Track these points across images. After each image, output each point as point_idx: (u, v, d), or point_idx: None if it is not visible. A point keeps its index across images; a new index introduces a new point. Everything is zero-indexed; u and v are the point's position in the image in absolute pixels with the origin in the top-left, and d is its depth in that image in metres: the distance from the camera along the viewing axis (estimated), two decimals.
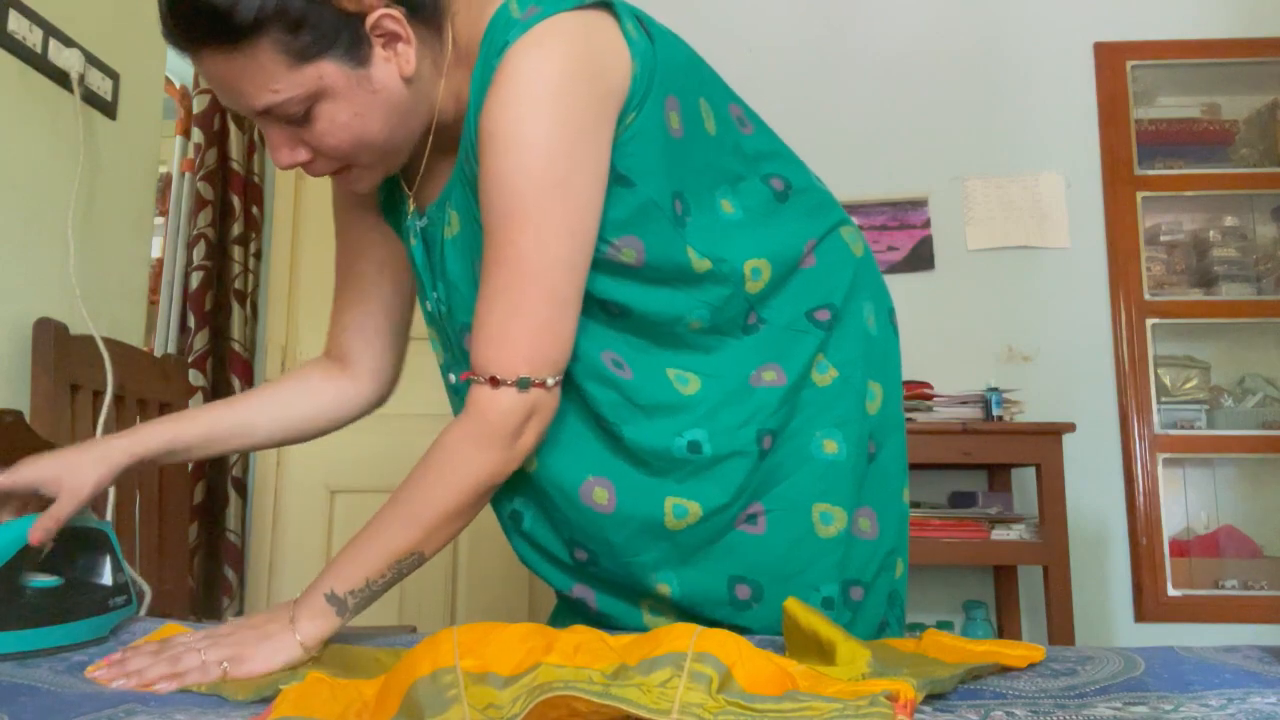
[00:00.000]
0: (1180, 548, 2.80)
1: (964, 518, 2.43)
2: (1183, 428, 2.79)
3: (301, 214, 3.07)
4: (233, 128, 3.00)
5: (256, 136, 3.07)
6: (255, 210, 3.03)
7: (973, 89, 2.95)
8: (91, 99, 1.75)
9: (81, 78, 1.68)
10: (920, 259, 2.89)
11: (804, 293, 1.02)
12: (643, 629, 0.99)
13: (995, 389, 2.52)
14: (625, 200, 0.89)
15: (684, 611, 1.00)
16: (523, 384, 0.85)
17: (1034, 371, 2.79)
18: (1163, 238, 2.95)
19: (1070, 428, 2.45)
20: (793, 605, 0.81)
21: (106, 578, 0.92)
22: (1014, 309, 2.85)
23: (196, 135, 2.96)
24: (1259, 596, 2.68)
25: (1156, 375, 2.81)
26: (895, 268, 2.89)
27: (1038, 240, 2.87)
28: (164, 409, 1.84)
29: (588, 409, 0.95)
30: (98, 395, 1.66)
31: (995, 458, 2.51)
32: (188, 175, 3.00)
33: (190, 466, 2.22)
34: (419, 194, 0.99)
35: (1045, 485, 2.41)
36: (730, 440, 0.95)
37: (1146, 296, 2.82)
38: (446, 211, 0.95)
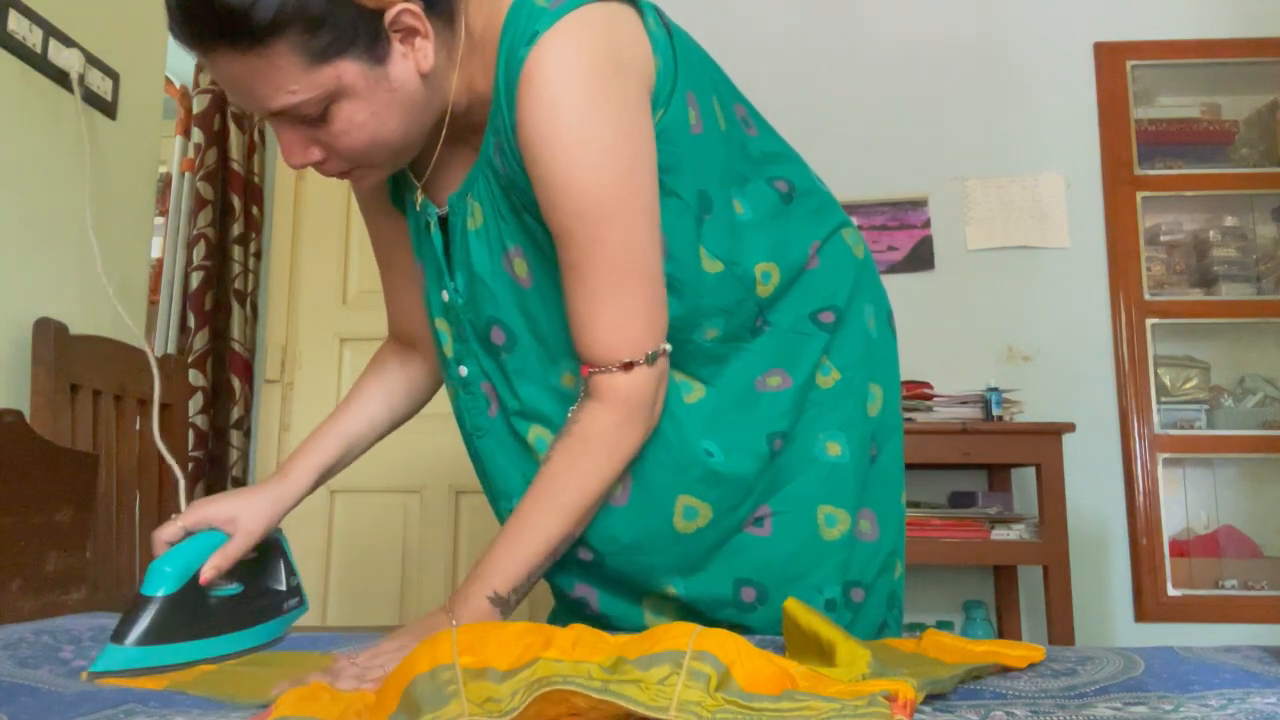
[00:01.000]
0: (1180, 548, 2.80)
1: (964, 518, 2.44)
2: (1183, 428, 2.79)
3: (301, 214, 3.07)
4: (233, 128, 3.00)
5: (256, 136, 3.07)
6: (255, 210, 3.03)
7: (973, 89, 2.95)
8: (91, 99, 1.75)
9: (81, 78, 1.68)
10: (920, 259, 2.89)
11: (808, 295, 1.02)
12: (642, 629, 0.99)
13: (995, 389, 2.52)
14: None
15: (688, 612, 1.00)
16: (652, 358, 0.88)
17: (1034, 371, 2.79)
18: (1163, 238, 2.95)
19: (1070, 428, 2.45)
20: (792, 606, 0.81)
21: (281, 582, 0.95)
22: (1014, 309, 2.85)
23: (196, 135, 2.96)
24: (1259, 596, 2.68)
25: (1156, 375, 2.81)
26: (895, 268, 2.89)
27: (1038, 240, 2.87)
28: (164, 409, 1.84)
29: None
30: (98, 395, 1.66)
31: (995, 458, 2.51)
32: (188, 175, 3.00)
33: (190, 466, 2.22)
34: (430, 184, 0.98)
35: (1045, 485, 2.41)
36: (741, 448, 0.96)
37: (1146, 296, 2.82)
38: (468, 203, 0.94)
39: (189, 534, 0.88)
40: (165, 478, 1.81)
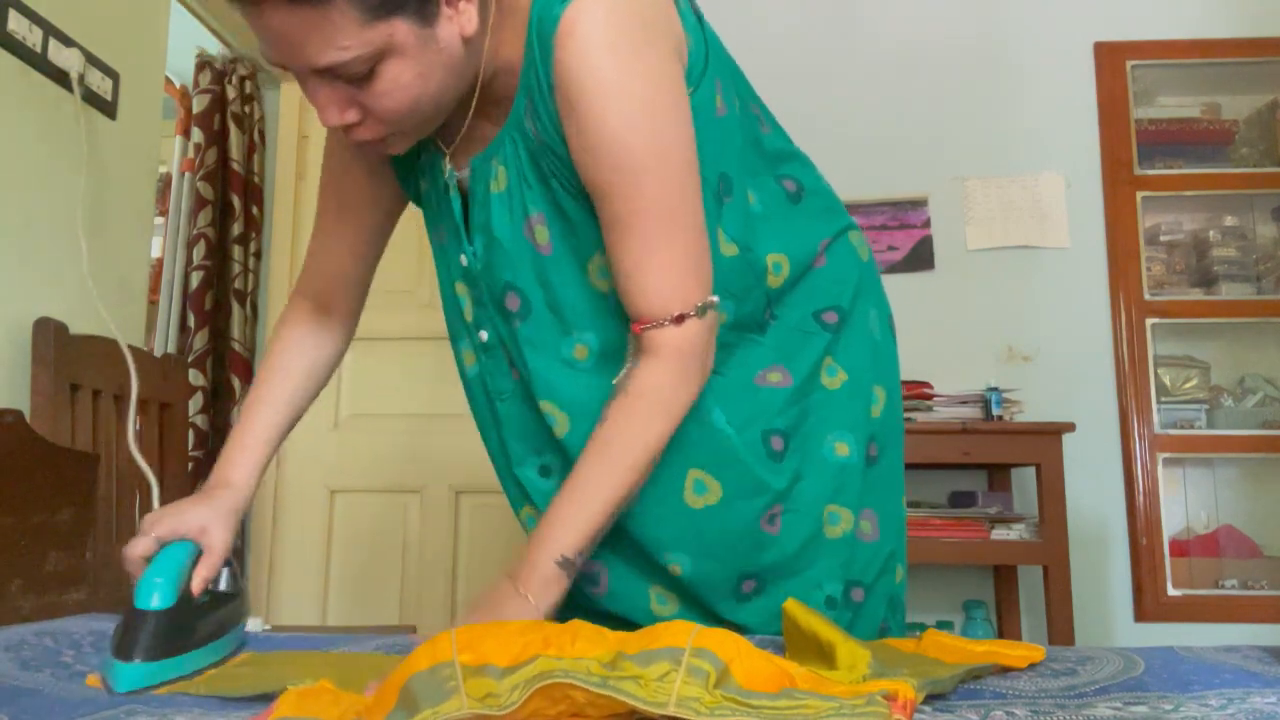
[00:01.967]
0: (1180, 547, 2.80)
1: (964, 517, 2.44)
2: (1183, 427, 2.79)
3: (301, 214, 3.07)
4: (233, 128, 3.00)
5: (256, 136, 3.07)
6: (255, 210, 3.03)
7: (973, 89, 2.95)
8: (91, 99, 1.75)
9: (81, 77, 1.68)
10: (920, 259, 2.89)
11: (814, 293, 1.03)
12: (647, 619, 1.00)
13: (995, 389, 2.52)
14: None
15: (689, 597, 1.01)
16: (702, 310, 0.88)
17: (1034, 371, 2.79)
18: (1163, 238, 2.95)
19: (1070, 428, 2.46)
20: (792, 606, 0.81)
21: (235, 587, 0.92)
22: (1014, 309, 2.85)
23: (196, 135, 2.96)
24: (1259, 596, 2.68)
25: (1156, 375, 2.81)
26: (895, 268, 2.89)
27: (1038, 240, 2.87)
28: (164, 409, 1.85)
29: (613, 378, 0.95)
30: (98, 395, 1.66)
31: (995, 457, 2.51)
32: (188, 175, 3.00)
33: (190, 466, 2.22)
34: (457, 147, 0.97)
35: (1045, 485, 2.41)
36: (742, 434, 0.97)
37: (1146, 296, 2.82)
38: (493, 166, 0.94)
39: (161, 546, 0.86)
40: (165, 478, 1.81)
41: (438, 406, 2.82)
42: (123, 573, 1.02)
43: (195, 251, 2.91)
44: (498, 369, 1.01)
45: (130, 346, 1.78)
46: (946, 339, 2.81)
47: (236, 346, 2.92)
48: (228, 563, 0.92)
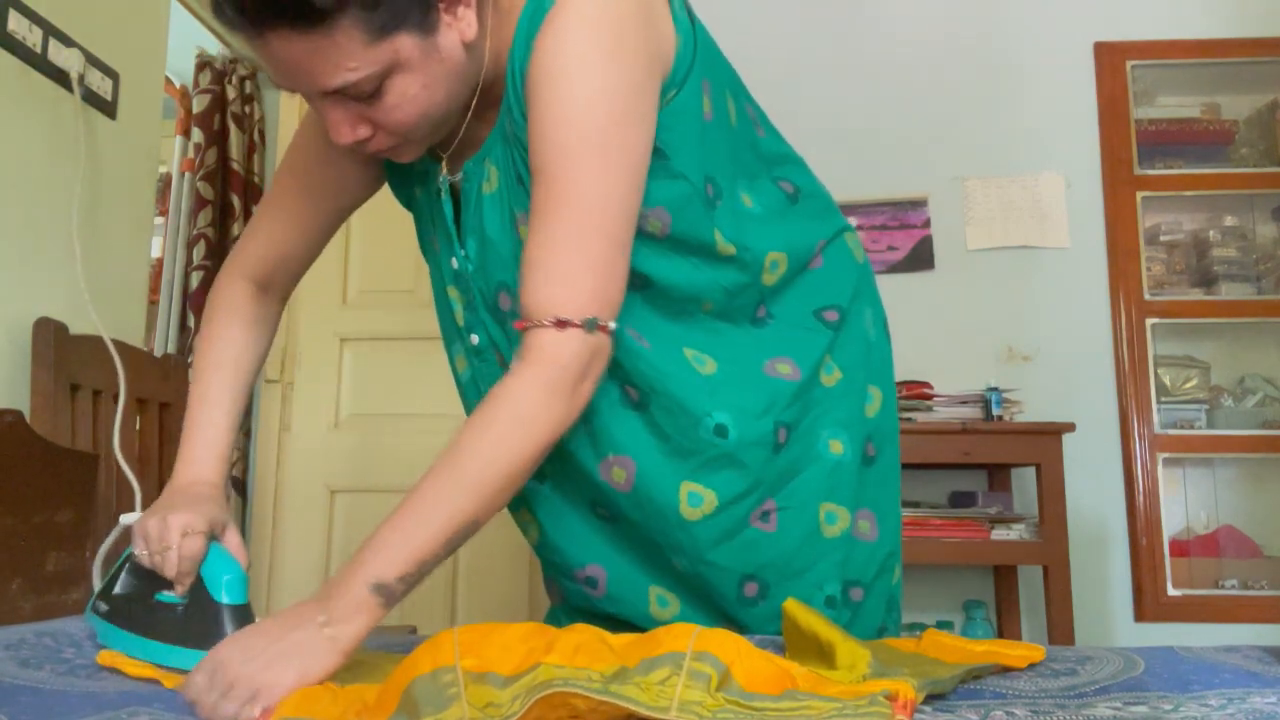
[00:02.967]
0: (1180, 548, 2.80)
1: (964, 517, 2.43)
2: (1183, 428, 2.79)
3: None
4: (233, 127, 3.00)
5: (256, 136, 3.07)
6: (255, 210, 3.03)
7: (973, 89, 2.95)
8: (91, 99, 1.75)
9: (81, 77, 1.68)
10: (920, 259, 2.89)
11: (812, 292, 1.04)
12: (646, 622, 0.99)
13: (995, 389, 2.52)
14: (658, 173, 0.89)
15: (692, 597, 1.01)
16: (590, 325, 0.81)
17: (1034, 371, 2.79)
18: (1163, 238, 2.95)
19: (1070, 428, 2.45)
20: (792, 607, 0.81)
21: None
22: (1014, 309, 2.85)
23: (196, 135, 2.96)
24: (1259, 596, 2.68)
25: (1156, 375, 2.81)
26: (895, 268, 2.89)
27: (1038, 240, 2.87)
28: (164, 409, 1.84)
29: (612, 379, 0.93)
30: (98, 395, 1.66)
31: (995, 457, 2.51)
32: (188, 175, 3.00)
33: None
34: (453, 151, 0.97)
35: (1045, 485, 2.41)
36: (752, 427, 0.96)
37: (1146, 296, 2.82)
38: (485, 167, 0.94)
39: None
40: (165, 478, 1.81)
41: (438, 406, 2.81)
42: (100, 569, 1.02)
43: (195, 251, 2.91)
44: (490, 373, 1.01)
45: (124, 344, 1.78)
46: (946, 339, 2.81)
47: None
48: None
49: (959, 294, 2.86)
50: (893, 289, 2.87)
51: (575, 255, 0.82)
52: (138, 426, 1.76)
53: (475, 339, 1.00)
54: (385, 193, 1.10)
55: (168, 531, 0.84)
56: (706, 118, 0.93)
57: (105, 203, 1.81)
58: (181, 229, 2.99)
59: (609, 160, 0.83)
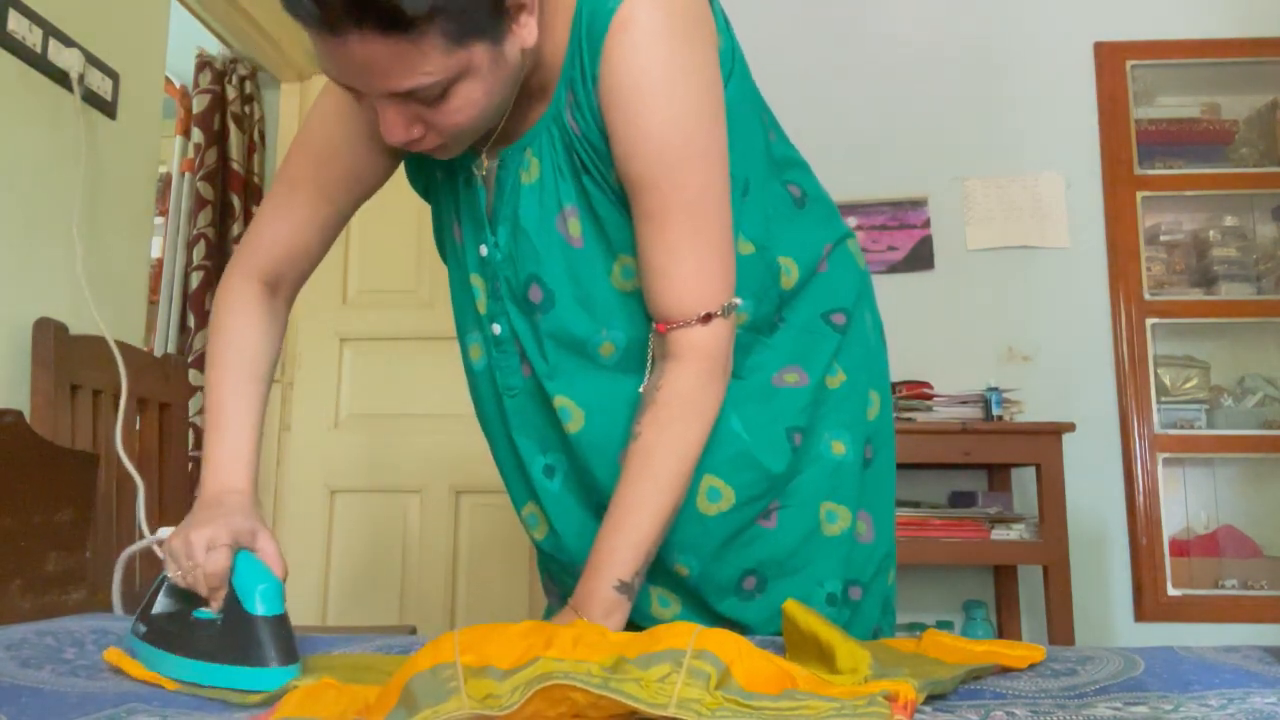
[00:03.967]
0: (1180, 547, 2.80)
1: (964, 517, 2.44)
2: (1183, 427, 2.79)
3: None
4: (233, 127, 3.00)
5: (256, 136, 3.07)
6: (255, 210, 3.03)
7: (973, 89, 2.95)
8: (91, 99, 1.75)
9: (81, 78, 1.68)
10: (920, 259, 2.89)
11: (820, 296, 1.04)
12: (646, 621, 1.00)
13: (995, 389, 2.52)
14: None
15: (693, 597, 1.01)
16: (727, 310, 0.89)
17: (1034, 371, 2.79)
18: (1163, 237, 2.95)
19: (1070, 427, 2.46)
20: (792, 607, 0.81)
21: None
22: (1014, 309, 2.85)
23: (196, 135, 2.97)
24: (1259, 596, 2.68)
25: (1156, 375, 2.81)
26: (895, 268, 2.89)
27: (1038, 240, 2.87)
28: (164, 409, 1.85)
29: (638, 377, 0.95)
30: (98, 395, 1.66)
31: (995, 457, 2.51)
32: (188, 175, 3.01)
33: (190, 467, 2.22)
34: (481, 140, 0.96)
35: (1045, 485, 2.41)
36: (763, 439, 0.97)
37: (1146, 296, 2.82)
38: (525, 157, 0.94)
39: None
40: (165, 478, 1.81)
41: (438, 406, 2.82)
42: (123, 573, 1.02)
43: (195, 251, 2.92)
44: (508, 364, 1.00)
45: (126, 345, 1.78)
46: (946, 339, 2.81)
47: None
48: None
49: (959, 294, 2.86)
50: (893, 289, 2.92)
51: (701, 253, 0.88)
52: (138, 426, 1.76)
53: (497, 328, 1.00)
54: (385, 194, 1.09)
55: (192, 549, 0.82)
56: (744, 113, 0.95)
57: (105, 203, 1.81)
58: (181, 229, 2.99)
59: (709, 161, 0.88)
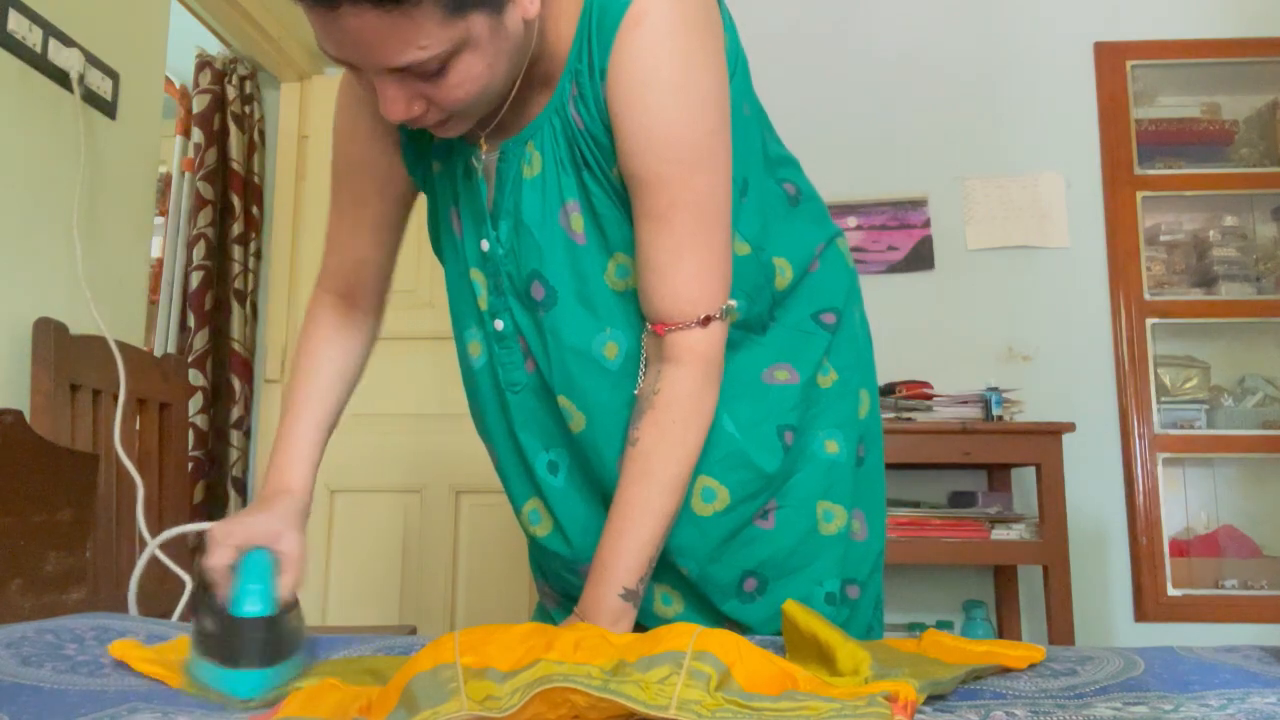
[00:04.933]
0: (1180, 547, 2.80)
1: (964, 518, 2.44)
2: (1183, 427, 2.79)
3: (301, 214, 3.07)
4: (233, 127, 3.00)
5: (256, 136, 3.07)
6: (255, 210, 3.03)
7: (973, 89, 2.95)
8: (91, 99, 1.75)
9: (81, 77, 1.68)
10: (920, 259, 2.89)
11: (811, 295, 1.04)
12: (648, 619, 1.00)
13: (995, 389, 2.52)
14: None
15: (695, 596, 1.01)
16: (726, 312, 0.89)
17: (1034, 371, 2.79)
18: (1163, 238, 2.95)
19: (1070, 428, 2.46)
20: (791, 608, 0.81)
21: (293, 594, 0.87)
22: (1014, 309, 2.85)
23: (196, 135, 2.96)
24: (1259, 596, 2.68)
25: (1156, 375, 2.81)
26: (895, 268, 2.89)
27: (1038, 240, 2.87)
28: (164, 409, 1.85)
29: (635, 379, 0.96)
30: (98, 395, 1.66)
31: (995, 458, 2.51)
32: (188, 175, 3.00)
33: (190, 467, 2.22)
34: (491, 129, 0.95)
35: (1045, 485, 2.41)
36: (754, 435, 0.97)
37: (1146, 296, 2.82)
38: (527, 150, 0.92)
39: (240, 555, 0.83)
40: (165, 478, 1.81)
41: (438, 406, 2.82)
42: (123, 572, 1.02)
43: (195, 251, 2.91)
44: (511, 360, 1.00)
45: (124, 344, 1.78)
46: (946, 339, 2.81)
47: (236, 346, 2.92)
48: None
49: (959, 294, 2.86)
50: (893, 289, 2.92)
51: (702, 254, 0.88)
52: (137, 426, 1.76)
53: (499, 324, 0.99)
54: None
55: (212, 544, 0.82)
56: (745, 113, 0.95)
57: (105, 203, 1.81)
58: (181, 229, 2.99)
59: (716, 162, 0.88)
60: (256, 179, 3.05)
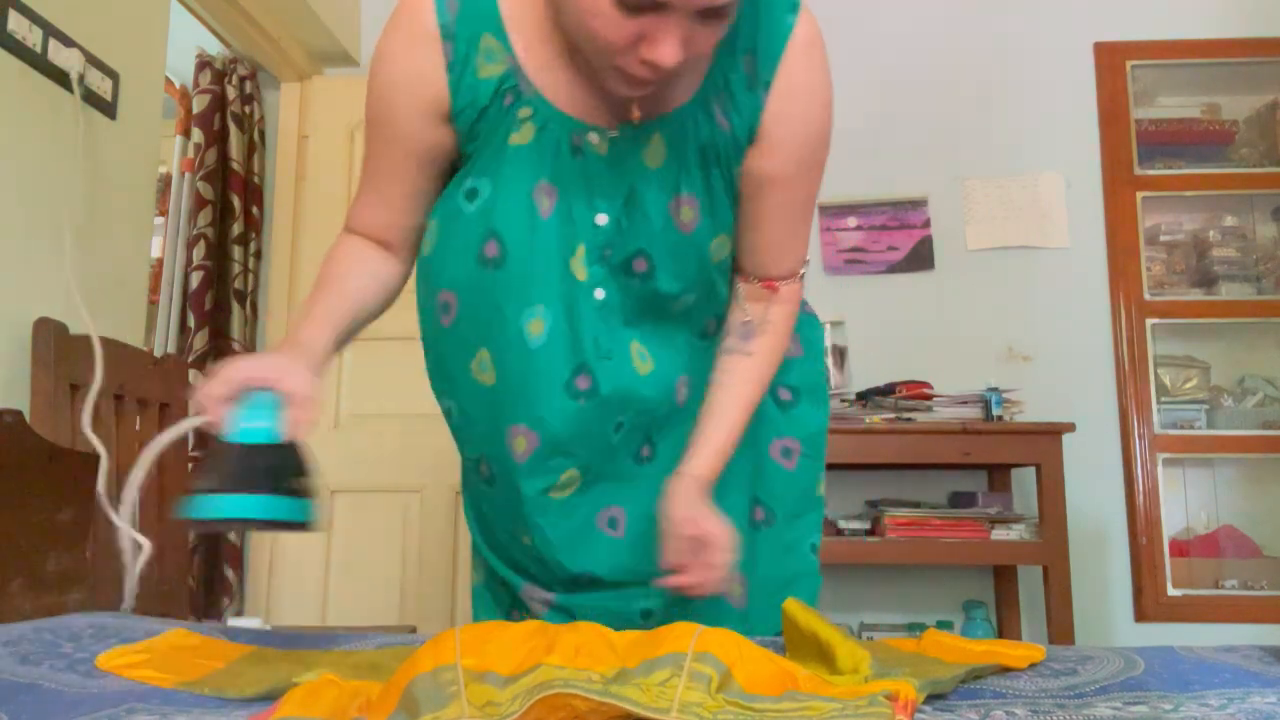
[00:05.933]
0: (1180, 548, 2.80)
1: (964, 518, 2.44)
2: (1183, 428, 2.79)
3: (301, 214, 3.07)
4: (233, 127, 3.00)
5: (256, 136, 3.07)
6: (255, 210, 3.03)
7: (973, 89, 2.95)
8: (91, 99, 1.75)
9: (81, 78, 1.68)
10: (920, 259, 2.89)
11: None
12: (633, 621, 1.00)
13: (995, 389, 2.52)
14: None
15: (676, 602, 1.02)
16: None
17: (1034, 371, 2.79)
18: (1163, 238, 2.95)
19: (1070, 428, 2.46)
20: (792, 607, 0.81)
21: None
22: (1014, 309, 2.85)
23: (196, 135, 2.96)
24: (1259, 596, 2.68)
25: (1156, 375, 2.81)
26: (895, 268, 2.89)
27: (1038, 240, 2.87)
28: (164, 409, 1.84)
29: (687, 330, 1.08)
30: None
31: (995, 458, 2.51)
32: (188, 175, 3.00)
33: (190, 467, 2.22)
34: (585, 104, 0.95)
35: (1045, 485, 2.41)
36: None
37: (1146, 296, 2.82)
38: (650, 138, 0.96)
39: (241, 391, 0.79)
40: (166, 478, 1.81)
41: (437, 406, 2.81)
42: (123, 573, 1.02)
43: (195, 251, 2.91)
44: (612, 333, 1.00)
45: (122, 344, 1.78)
46: (946, 339, 2.81)
47: (236, 346, 2.92)
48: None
49: (959, 294, 2.86)
50: (893, 289, 2.92)
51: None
52: (137, 427, 1.76)
53: (601, 293, 0.99)
54: None
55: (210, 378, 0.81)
56: None
57: (105, 203, 1.81)
58: (181, 229, 2.98)
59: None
60: (256, 179, 3.05)
